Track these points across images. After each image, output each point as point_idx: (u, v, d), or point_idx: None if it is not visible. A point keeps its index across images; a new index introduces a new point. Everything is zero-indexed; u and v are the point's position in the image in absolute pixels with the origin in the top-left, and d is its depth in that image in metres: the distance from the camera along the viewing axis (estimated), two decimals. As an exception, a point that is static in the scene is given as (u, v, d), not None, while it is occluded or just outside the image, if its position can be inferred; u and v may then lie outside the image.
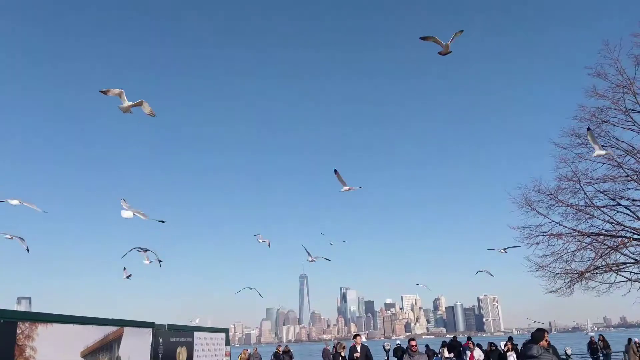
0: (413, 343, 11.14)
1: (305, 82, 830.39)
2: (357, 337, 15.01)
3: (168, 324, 17.80)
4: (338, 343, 15.93)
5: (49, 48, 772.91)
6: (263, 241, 24.13)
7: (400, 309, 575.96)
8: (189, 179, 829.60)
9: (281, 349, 23.70)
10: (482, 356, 17.35)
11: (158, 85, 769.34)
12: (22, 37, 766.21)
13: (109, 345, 13.70)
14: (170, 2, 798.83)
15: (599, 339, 27.40)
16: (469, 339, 19.55)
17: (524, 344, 11.45)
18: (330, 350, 23.00)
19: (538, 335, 7.44)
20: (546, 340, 7.33)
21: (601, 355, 26.62)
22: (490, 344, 18.75)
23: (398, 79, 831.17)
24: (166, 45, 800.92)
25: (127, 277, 23.81)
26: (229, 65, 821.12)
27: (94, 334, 13.15)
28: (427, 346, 17.53)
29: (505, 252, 21.95)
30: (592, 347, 27.13)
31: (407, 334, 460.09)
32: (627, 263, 17.51)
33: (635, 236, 17.29)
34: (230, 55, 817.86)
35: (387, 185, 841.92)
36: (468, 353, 17.43)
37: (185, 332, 18.84)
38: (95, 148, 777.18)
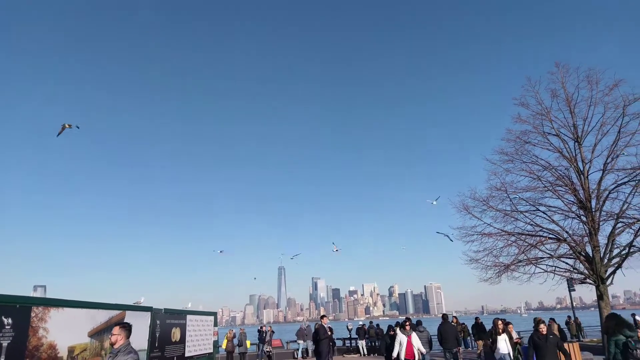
0: (407, 323, 11.53)
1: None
2: (324, 318, 14.90)
3: (164, 308, 17.32)
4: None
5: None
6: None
7: (362, 295, 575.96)
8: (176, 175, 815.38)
9: (265, 328, 23.32)
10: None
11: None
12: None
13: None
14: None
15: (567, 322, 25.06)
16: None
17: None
18: (304, 329, 22.80)
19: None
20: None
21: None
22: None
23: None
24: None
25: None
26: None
27: (100, 317, 12.72)
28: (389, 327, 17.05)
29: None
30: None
31: (367, 315, 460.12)
32: (544, 257, 17.86)
33: (551, 235, 17.67)
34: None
35: (353, 189, 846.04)
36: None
37: (179, 315, 18.40)
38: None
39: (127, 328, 6.60)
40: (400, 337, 11.22)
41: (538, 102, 18.36)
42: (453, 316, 17.15)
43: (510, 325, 12.15)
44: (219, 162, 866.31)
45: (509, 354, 10.95)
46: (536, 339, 9.13)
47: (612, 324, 6.98)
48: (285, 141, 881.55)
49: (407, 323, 11.59)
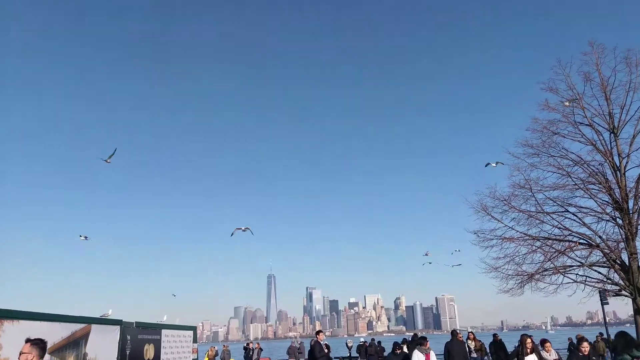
0: (427, 341, 11.46)
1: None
2: (320, 334, 14.95)
3: (136, 322, 17.31)
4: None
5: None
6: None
7: (363, 307, 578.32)
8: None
9: (251, 345, 23.37)
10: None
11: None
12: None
13: (76, 342, 13.25)
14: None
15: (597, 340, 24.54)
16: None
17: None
18: (297, 346, 22.89)
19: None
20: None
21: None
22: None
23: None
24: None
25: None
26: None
27: (61, 331, 12.70)
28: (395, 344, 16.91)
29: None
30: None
31: (369, 331, 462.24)
32: (573, 266, 17.88)
33: (581, 241, 17.70)
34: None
35: (349, 192, 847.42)
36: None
37: (153, 330, 18.42)
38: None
39: (40, 346, 6.09)
40: (417, 357, 11.11)
41: (569, 87, 18.36)
42: (469, 332, 17.17)
43: (548, 344, 11.37)
44: (203, 156, 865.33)
45: None
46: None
47: (621, 342, 7.09)
48: (276, 133, 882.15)
49: (427, 340, 11.54)
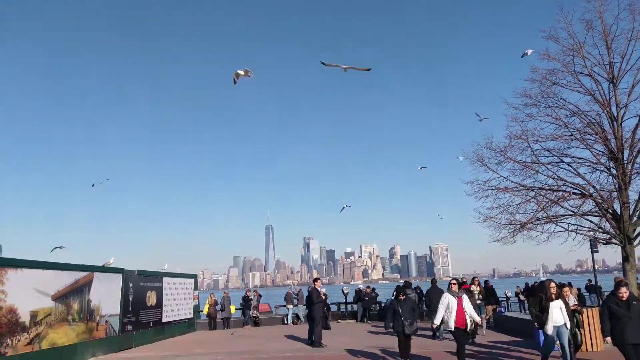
0: (453, 282, 10.13)
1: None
2: (317, 281, 15.38)
3: (137, 270, 17.67)
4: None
5: None
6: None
7: (359, 257, 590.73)
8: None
9: (250, 293, 23.95)
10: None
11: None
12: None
13: (80, 289, 13.60)
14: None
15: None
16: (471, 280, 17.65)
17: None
18: (293, 293, 23.49)
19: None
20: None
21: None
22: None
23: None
24: None
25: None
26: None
27: (65, 279, 13.02)
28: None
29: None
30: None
31: (365, 279, 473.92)
32: (566, 215, 18.17)
33: (575, 191, 17.90)
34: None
35: (348, 143, 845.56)
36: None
37: (154, 278, 18.86)
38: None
39: None
40: (449, 300, 9.63)
41: (570, 36, 17.96)
42: (474, 277, 17.50)
43: (567, 288, 10.33)
44: (202, 110, 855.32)
45: (564, 324, 9.06)
46: (614, 306, 7.72)
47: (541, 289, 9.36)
48: (278, 91, 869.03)
49: (454, 282, 10.17)
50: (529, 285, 26.67)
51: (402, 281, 21.94)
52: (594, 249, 19.43)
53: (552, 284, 9.28)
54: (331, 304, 23.65)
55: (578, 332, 9.87)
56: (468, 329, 9.51)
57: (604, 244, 18.57)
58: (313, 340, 14.32)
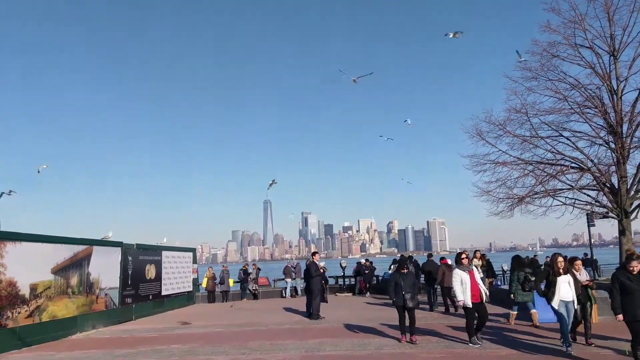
0: (463, 256, 9.64)
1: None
2: (316, 255, 15.48)
3: (136, 244, 17.72)
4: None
5: None
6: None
7: (357, 231, 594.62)
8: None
9: (248, 267, 24.10)
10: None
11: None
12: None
13: (79, 262, 13.64)
14: None
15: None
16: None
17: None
18: (291, 267, 23.65)
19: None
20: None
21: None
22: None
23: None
24: None
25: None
26: None
27: (64, 252, 13.04)
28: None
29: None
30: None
31: (362, 253, 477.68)
32: (563, 189, 18.27)
33: (573, 164, 17.93)
34: None
35: (344, 119, 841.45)
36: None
37: (153, 251, 18.93)
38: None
39: None
40: (461, 275, 9.26)
41: (571, 7, 17.72)
42: (476, 250, 17.61)
43: (578, 262, 9.69)
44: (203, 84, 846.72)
45: (573, 302, 8.45)
46: (625, 280, 7.13)
47: (515, 263, 11.89)
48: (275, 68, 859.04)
49: (465, 255, 9.73)
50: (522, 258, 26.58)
51: (399, 255, 22.13)
52: (590, 223, 19.56)
53: (560, 258, 8.74)
54: (329, 277, 23.84)
55: (588, 307, 9.23)
56: (483, 301, 9.27)
57: (600, 218, 18.69)
58: (311, 313, 14.48)
